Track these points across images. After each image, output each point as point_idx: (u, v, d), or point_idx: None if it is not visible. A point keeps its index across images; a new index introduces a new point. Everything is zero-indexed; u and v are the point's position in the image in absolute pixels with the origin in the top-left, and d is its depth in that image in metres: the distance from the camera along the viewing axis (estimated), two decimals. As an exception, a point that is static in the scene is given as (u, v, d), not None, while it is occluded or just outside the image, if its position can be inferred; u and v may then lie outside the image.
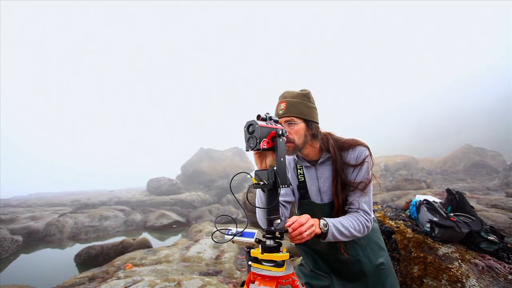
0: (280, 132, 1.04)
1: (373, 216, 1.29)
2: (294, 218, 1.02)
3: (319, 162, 1.33)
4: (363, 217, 1.21)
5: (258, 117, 1.05)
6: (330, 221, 1.13)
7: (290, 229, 0.99)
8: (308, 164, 1.36)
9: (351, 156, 1.27)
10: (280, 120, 1.23)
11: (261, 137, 0.99)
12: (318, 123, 1.29)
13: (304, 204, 1.39)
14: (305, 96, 1.25)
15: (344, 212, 1.27)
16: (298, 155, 1.38)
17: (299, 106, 1.23)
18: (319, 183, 1.33)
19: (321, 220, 1.11)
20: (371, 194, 1.27)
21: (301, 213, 1.41)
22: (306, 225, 1.00)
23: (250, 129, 1.02)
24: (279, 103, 1.27)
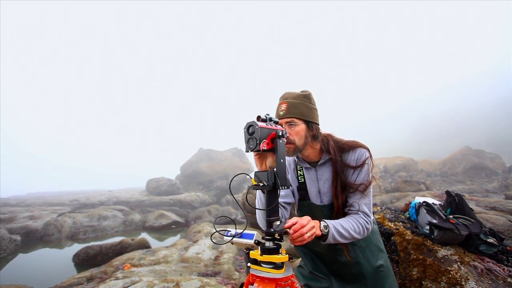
0: (280, 133, 1.04)
1: (372, 218, 1.30)
2: (294, 219, 1.01)
3: (319, 163, 1.32)
4: (363, 219, 1.21)
5: (258, 118, 1.05)
6: (331, 223, 1.13)
7: (291, 231, 0.98)
8: (308, 166, 1.36)
9: (351, 158, 1.27)
10: (280, 121, 1.23)
11: (261, 138, 0.99)
12: (318, 124, 1.29)
13: (304, 206, 1.39)
14: (306, 97, 1.26)
15: (343, 214, 1.27)
16: (298, 156, 1.38)
17: (300, 107, 1.23)
18: (319, 184, 1.33)
19: (321, 222, 1.11)
20: (371, 196, 1.27)
21: (300, 214, 1.40)
22: (307, 226, 1.00)
23: (250, 130, 1.02)
24: (279, 104, 1.27)
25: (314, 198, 1.35)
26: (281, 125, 1.22)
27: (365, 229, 1.20)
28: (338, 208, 1.25)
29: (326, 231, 1.09)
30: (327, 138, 1.33)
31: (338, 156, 1.28)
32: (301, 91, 1.29)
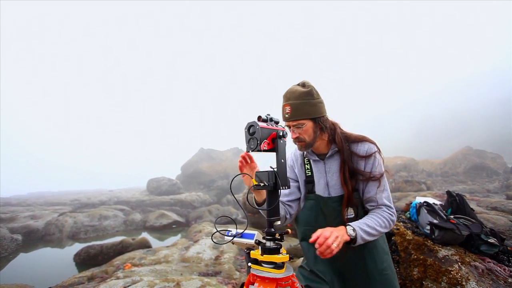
0: (281, 134, 1.04)
1: (394, 209, 1.29)
2: (318, 232, 1.02)
3: (327, 155, 1.33)
4: (386, 212, 1.22)
5: (259, 118, 1.05)
6: (356, 225, 1.14)
7: (316, 245, 0.99)
8: (316, 158, 1.36)
9: (359, 149, 1.28)
10: (287, 123, 1.24)
11: (262, 138, 0.99)
12: (324, 115, 1.28)
13: (310, 199, 1.39)
14: (308, 94, 1.23)
15: (354, 202, 1.26)
16: None
17: (304, 107, 1.21)
18: (327, 177, 1.33)
19: (347, 227, 1.12)
20: (388, 188, 1.27)
21: (306, 207, 1.40)
22: (331, 237, 1.00)
23: (251, 130, 1.02)
24: (284, 106, 1.25)
25: (321, 190, 1.34)
26: (289, 127, 1.24)
27: (390, 221, 1.20)
28: (348, 194, 1.23)
29: (354, 234, 1.10)
30: (334, 126, 1.33)
31: (346, 145, 1.29)
32: (302, 86, 1.26)
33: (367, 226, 1.14)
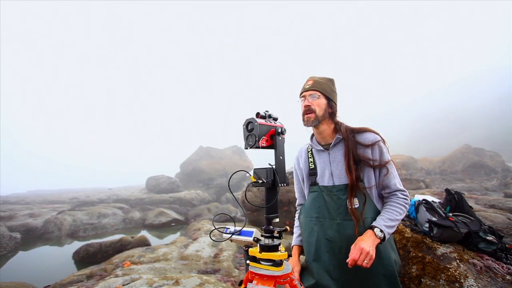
0: (280, 130, 1.03)
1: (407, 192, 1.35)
2: (350, 254, 1.12)
3: (332, 144, 1.36)
4: (401, 197, 1.27)
5: (257, 114, 1.04)
6: (381, 223, 1.19)
7: (349, 266, 1.11)
8: (321, 148, 1.40)
9: (364, 137, 1.33)
10: (305, 93, 1.34)
11: (260, 135, 0.99)
12: (336, 106, 1.39)
13: (314, 190, 1.39)
14: (330, 81, 1.39)
15: (357, 190, 1.27)
16: (312, 139, 1.46)
17: (324, 85, 1.35)
18: (332, 166, 1.35)
19: (374, 230, 1.17)
20: (397, 174, 1.33)
21: (310, 199, 1.40)
22: (360, 258, 1.09)
23: (249, 127, 1.01)
24: (306, 81, 1.39)
25: (326, 180, 1.35)
26: (303, 98, 1.34)
27: (407, 206, 1.27)
28: (352, 182, 1.25)
29: (382, 235, 1.16)
30: (340, 122, 1.41)
31: (350, 135, 1.34)
32: (326, 77, 1.41)
33: (390, 220, 1.20)
